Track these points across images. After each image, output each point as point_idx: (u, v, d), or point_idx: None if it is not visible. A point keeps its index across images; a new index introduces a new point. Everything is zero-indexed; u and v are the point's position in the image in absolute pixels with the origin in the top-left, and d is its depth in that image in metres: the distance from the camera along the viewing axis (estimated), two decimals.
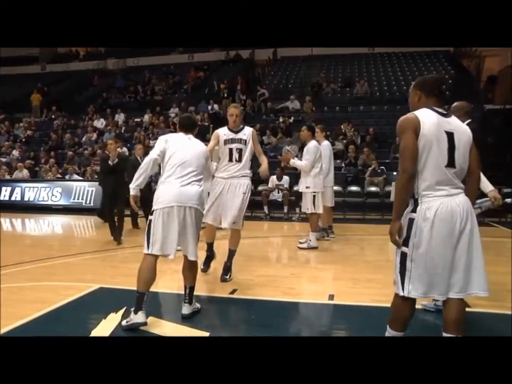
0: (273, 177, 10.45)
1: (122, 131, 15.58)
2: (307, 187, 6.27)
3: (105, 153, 8.10)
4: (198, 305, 3.65)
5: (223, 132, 4.56)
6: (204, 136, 11.30)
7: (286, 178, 10.47)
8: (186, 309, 3.52)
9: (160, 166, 3.50)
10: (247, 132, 4.57)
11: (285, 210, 10.11)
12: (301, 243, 6.46)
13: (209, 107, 16.06)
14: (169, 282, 4.49)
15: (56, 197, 11.50)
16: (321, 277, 5.05)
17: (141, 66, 22.30)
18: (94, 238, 8.33)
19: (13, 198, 11.80)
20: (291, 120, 14.55)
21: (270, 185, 10.42)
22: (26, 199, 11.70)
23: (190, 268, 3.52)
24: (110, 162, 6.81)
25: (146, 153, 4.87)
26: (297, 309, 3.96)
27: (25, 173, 12.58)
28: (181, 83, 19.84)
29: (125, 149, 12.18)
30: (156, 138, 6.23)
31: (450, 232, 2.31)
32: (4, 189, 11.94)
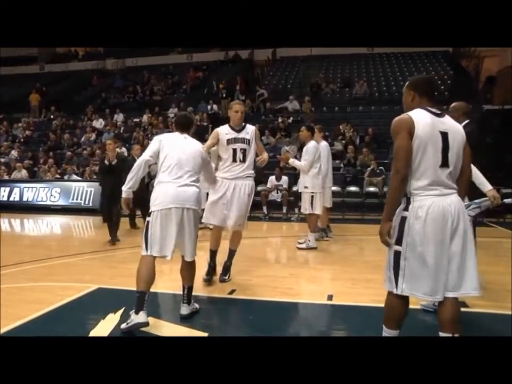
0: (272, 178, 10.45)
1: (121, 131, 15.56)
2: (305, 187, 6.27)
3: (105, 153, 8.11)
4: (196, 305, 3.65)
5: (224, 131, 4.39)
6: (202, 136, 11.30)
7: (285, 179, 10.47)
8: (184, 309, 3.51)
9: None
10: (250, 131, 4.43)
11: (284, 211, 10.10)
12: (299, 243, 6.46)
13: (209, 107, 16.07)
14: (167, 282, 4.48)
15: (55, 197, 11.49)
16: (320, 277, 5.05)
17: (140, 66, 22.31)
18: (92, 239, 8.32)
19: (11, 199, 11.79)
20: (290, 120, 14.56)
21: (269, 185, 10.42)
22: (25, 199, 11.69)
23: (188, 268, 3.52)
24: (106, 162, 6.84)
25: None
26: (296, 309, 3.96)
27: (24, 173, 12.57)
28: (180, 83, 19.85)
29: (124, 149, 12.17)
30: None
31: (442, 232, 2.32)
32: (2, 189, 11.93)
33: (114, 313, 3.52)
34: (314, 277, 5.02)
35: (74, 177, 12.06)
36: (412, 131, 2.33)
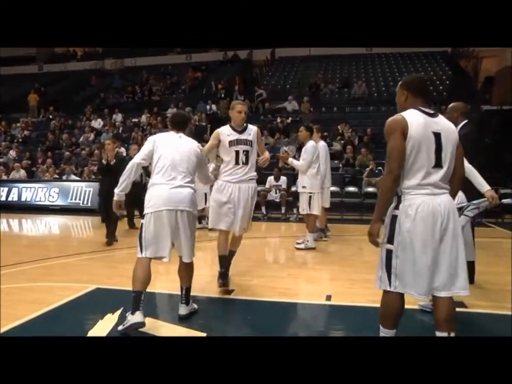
0: (271, 178, 10.46)
1: (120, 131, 15.54)
2: (303, 187, 6.28)
3: (103, 153, 8.11)
4: (195, 305, 3.64)
5: (226, 132, 4.21)
6: (201, 136, 11.30)
7: (283, 179, 10.47)
8: (183, 310, 3.51)
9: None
10: (252, 132, 4.26)
11: (283, 211, 10.10)
12: (298, 244, 6.46)
13: (207, 107, 16.06)
14: (165, 282, 4.47)
15: (53, 197, 11.47)
16: (318, 278, 5.05)
17: (139, 66, 22.29)
18: (91, 239, 8.30)
19: (10, 199, 11.76)
20: (289, 120, 14.56)
21: (267, 185, 10.42)
22: (23, 199, 11.67)
23: (186, 269, 3.51)
24: (103, 161, 6.84)
25: None
26: (295, 310, 3.96)
27: (22, 173, 12.54)
28: (178, 83, 19.84)
29: (122, 149, 12.16)
30: None
31: (432, 231, 2.33)
32: (1, 189, 11.90)
33: (113, 314, 3.52)
34: (313, 277, 5.02)
35: (73, 177, 12.05)
36: (405, 132, 2.33)
